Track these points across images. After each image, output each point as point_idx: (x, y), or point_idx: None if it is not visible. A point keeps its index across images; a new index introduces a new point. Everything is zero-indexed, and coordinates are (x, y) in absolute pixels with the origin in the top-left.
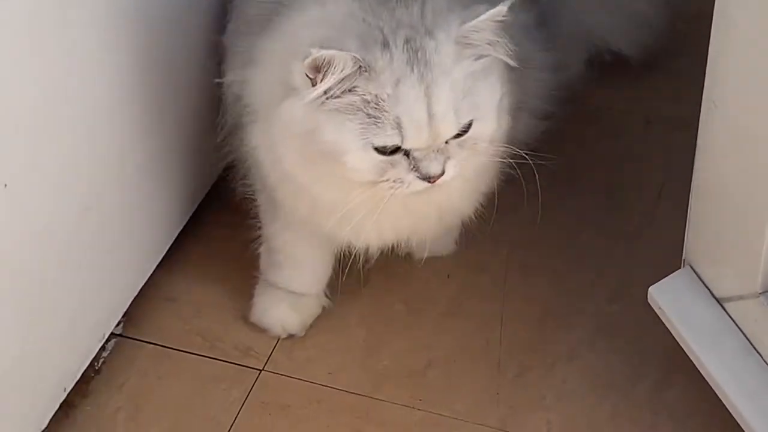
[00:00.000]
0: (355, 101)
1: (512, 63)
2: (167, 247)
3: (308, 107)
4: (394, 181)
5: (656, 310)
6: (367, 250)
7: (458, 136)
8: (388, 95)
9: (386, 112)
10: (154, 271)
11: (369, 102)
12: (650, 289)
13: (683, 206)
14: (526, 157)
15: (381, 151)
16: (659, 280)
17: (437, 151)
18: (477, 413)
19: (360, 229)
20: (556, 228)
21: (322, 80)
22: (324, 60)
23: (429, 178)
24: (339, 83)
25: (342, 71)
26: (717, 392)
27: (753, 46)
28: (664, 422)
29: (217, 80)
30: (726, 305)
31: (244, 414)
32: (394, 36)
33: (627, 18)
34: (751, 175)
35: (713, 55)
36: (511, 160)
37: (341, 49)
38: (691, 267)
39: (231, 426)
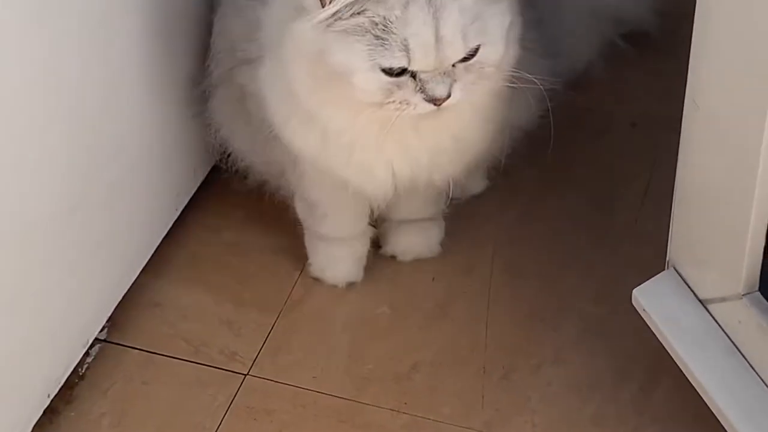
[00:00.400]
0: (363, 23)
1: None
2: (152, 251)
3: (317, 28)
4: (400, 103)
5: (641, 312)
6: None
7: (465, 60)
8: (396, 17)
9: (394, 34)
10: (139, 276)
11: (377, 24)
12: (634, 291)
13: (669, 208)
14: (536, 82)
15: (388, 72)
16: (644, 282)
17: (444, 73)
18: (462, 416)
19: (372, 164)
20: (542, 229)
21: (331, 1)
22: None
23: (435, 100)
24: (348, 5)
25: None
26: (701, 394)
27: (733, 47)
28: (649, 424)
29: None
30: (710, 307)
31: (229, 419)
32: None
33: None
34: (733, 176)
35: (695, 55)
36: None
37: None
38: (675, 269)
39: (216, 431)
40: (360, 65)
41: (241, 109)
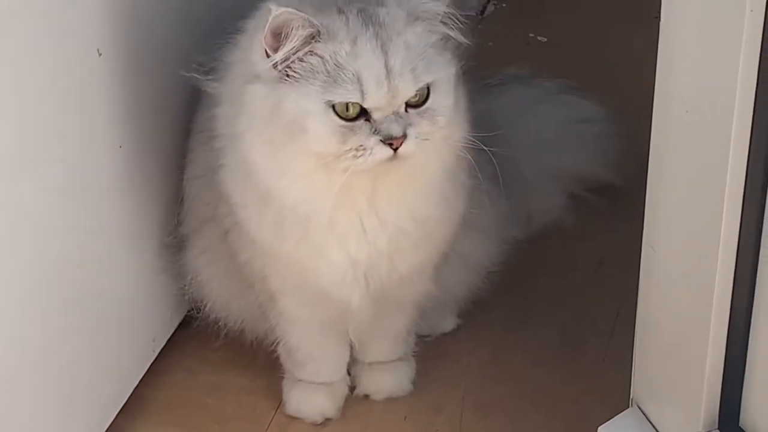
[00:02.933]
0: (313, 64)
1: (463, 40)
2: (128, 394)
3: (270, 83)
4: (356, 150)
5: None
6: (350, 303)
7: (418, 106)
8: (346, 52)
9: (345, 69)
10: (116, 418)
11: (327, 62)
12: (599, 429)
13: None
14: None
15: (342, 116)
16: (610, 419)
17: (397, 114)
18: None
19: (326, 245)
20: (510, 367)
21: (282, 46)
22: (283, 20)
23: (391, 141)
24: (299, 48)
25: (301, 29)
26: None
27: (687, 195)
28: None
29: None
30: None
31: None
32: (348, 6)
33: (599, 147)
34: (688, 318)
35: (650, 202)
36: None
37: (298, 10)
38: (639, 406)
39: None
40: (313, 107)
41: (219, 256)
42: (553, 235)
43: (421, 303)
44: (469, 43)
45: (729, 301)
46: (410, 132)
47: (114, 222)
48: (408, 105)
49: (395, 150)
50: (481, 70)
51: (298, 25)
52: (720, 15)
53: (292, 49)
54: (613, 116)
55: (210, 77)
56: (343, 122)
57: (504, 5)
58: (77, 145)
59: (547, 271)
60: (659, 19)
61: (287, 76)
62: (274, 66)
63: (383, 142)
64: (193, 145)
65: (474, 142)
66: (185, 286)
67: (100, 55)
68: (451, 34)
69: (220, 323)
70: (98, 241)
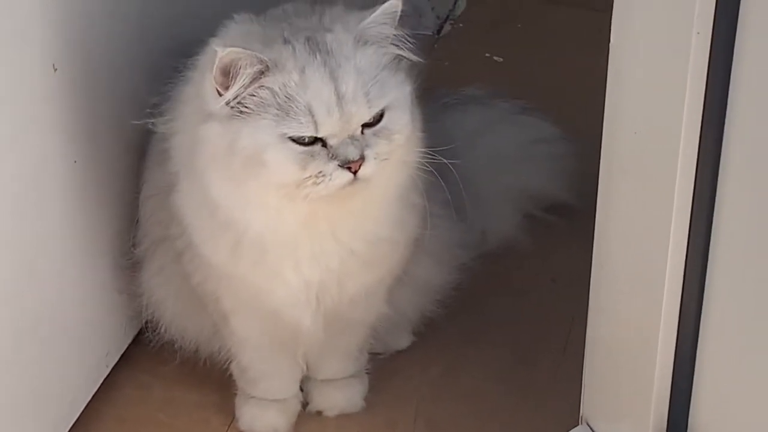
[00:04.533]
0: (264, 98)
1: (416, 59)
2: (81, 408)
3: (223, 121)
4: (316, 176)
5: None
6: (301, 323)
7: (373, 125)
8: (295, 83)
9: (296, 100)
10: None
11: (278, 94)
12: None
13: None
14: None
15: (298, 141)
16: None
17: (353, 137)
18: None
19: (282, 266)
20: (464, 384)
21: (232, 84)
22: (231, 60)
23: (349, 164)
24: (248, 84)
25: (249, 66)
26: None
27: (635, 215)
28: None
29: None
30: None
31: None
32: (295, 36)
33: (555, 167)
34: (637, 336)
35: (600, 221)
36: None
37: (246, 48)
38: (588, 423)
39: None
40: (268, 140)
41: (173, 276)
42: (507, 254)
43: (373, 323)
44: (422, 61)
45: (677, 320)
46: (368, 153)
47: (67, 237)
48: (363, 125)
49: (354, 173)
50: (438, 90)
51: (246, 63)
52: (668, 37)
53: (242, 86)
54: (569, 137)
55: (163, 117)
56: (300, 148)
57: (460, 25)
58: (31, 159)
59: (501, 289)
60: None
61: (240, 112)
62: (227, 103)
63: (341, 166)
64: (148, 164)
65: (428, 162)
66: (140, 305)
67: (55, 70)
68: (403, 54)
69: (174, 342)
70: (51, 255)
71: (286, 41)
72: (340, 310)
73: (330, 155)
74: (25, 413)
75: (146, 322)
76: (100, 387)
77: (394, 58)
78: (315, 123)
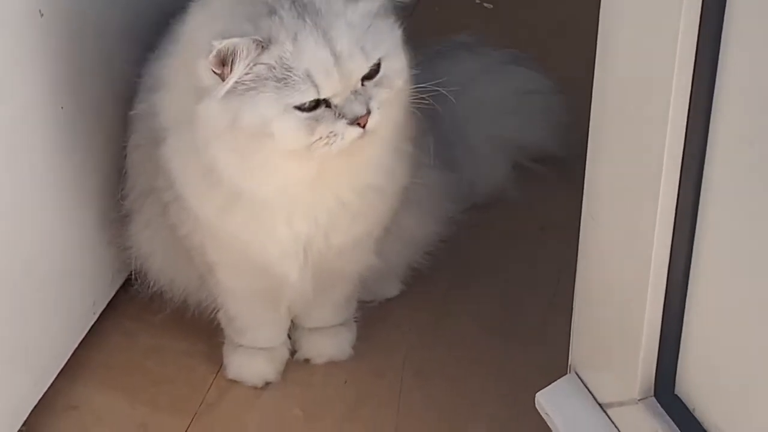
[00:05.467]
0: (261, 72)
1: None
2: (68, 356)
3: (222, 101)
4: (327, 137)
5: (543, 416)
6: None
7: (372, 77)
8: (290, 52)
9: (294, 69)
10: (55, 380)
11: (275, 67)
12: (537, 395)
13: None
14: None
15: (302, 108)
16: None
17: (355, 92)
18: None
19: (274, 221)
20: (451, 332)
21: (231, 72)
22: (228, 50)
23: (358, 120)
24: (244, 65)
25: (247, 57)
26: None
27: (625, 165)
28: None
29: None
30: (609, 411)
31: None
32: (280, 2)
33: (545, 118)
34: (626, 286)
35: (590, 172)
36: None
37: (241, 36)
38: (576, 373)
39: None
40: (272, 113)
41: (160, 228)
42: (495, 203)
43: (362, 274)
44: (412, 3)
45: (666, 270)
46: (372, 105)
47: (53, 185)
48: (363, 78)
49: (363, 126)
50: (428, 37)
51: (243, 50)
52: None
53: (242, 72)
54: (559, 86)
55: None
56: (306, 114)
57: None
58: (18, 105)
59: (489, 238)
60: None
61: (236, 88)
62: (220, 74)
63: (350, 123)
64: (136, 112)
65: (418, 109)
66: (128, 256)
67: (42, 15)
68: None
69: (162, 293)
70: (38, 202)
71: (271, 12)
72: (328, 262)
73: (337, 114)
74: (11, 359)
75: (134, 273)
76: (86, 334)
77: (383, 4)
78: (316, 87)
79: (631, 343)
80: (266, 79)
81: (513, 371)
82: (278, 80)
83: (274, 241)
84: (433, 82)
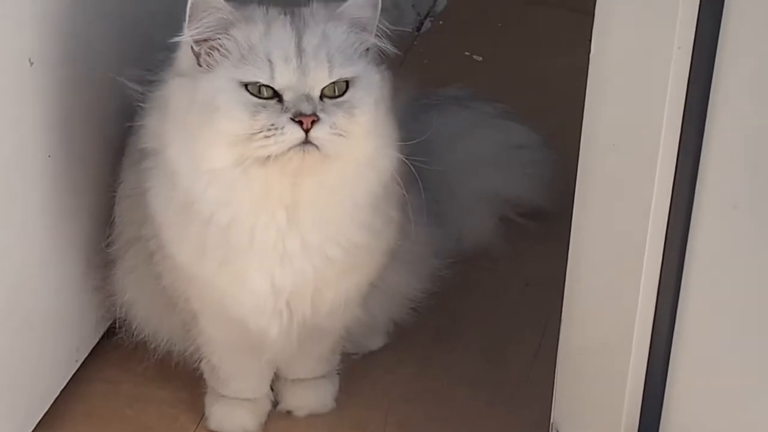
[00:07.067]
0: (229, 48)
1: (391, 49)
2: (50, 402)
3: (190, 76)
4: (267, 130)
5: None
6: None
7: (335, 98)
8: (259, 33)
9: (257, 49)
10: (36, 427)
11: (241, 44)
12: None
13: None
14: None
15: (254, 94)
16: None
17: (309, 96)
18: None
19: (247, 268)
20: (436, 386)
21: (198, 20)
22: (204, 2)
23: (301, 118)
24: (215, 28)
25: (217, 12)
26: None
27: (610, 225)
28: None
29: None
30: None
31: None
32: (272, 4)
33: (533, 173)
34: (609, 343)
35: (575, 227)
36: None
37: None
38: (557, 430)
39: None
40: (224, 85)
41: (145, 275)
42: (481, 256)
43: (347, 328)
44: (398, 53)
45: (650, 328)
46: (323, 117)
47: (40, 231)
48: (325, 96)
49: (306, 132)
50: (417, 90)
51: (216, 6)
52: (648, 52)
53: (207, 30)
54: (547, 142)
55: (143, 89)
56: (254, 99)
57: (441, 22)
58: (5, 153)
59: (474, 292)
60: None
61: (207, 66)
62: (196, 52)
63: (293, 120)
64: (125, 164)
65: (406, 164)
66: (111, 302)
67: (31, 64)
68: (377, 42)
69: (146, 340)
70: (23, 249)
71: (261, 3)
72: (316, 321)
73: (283, 109)
74: None
75: (118, 321)
76: (69, 381)
77: (367, 48)
78: (271, 71)
79: (615, 400)
80: (231, 54)
81: (496, 426)
82: (240, 56)
83: (248, 292)
84: (419, 138)
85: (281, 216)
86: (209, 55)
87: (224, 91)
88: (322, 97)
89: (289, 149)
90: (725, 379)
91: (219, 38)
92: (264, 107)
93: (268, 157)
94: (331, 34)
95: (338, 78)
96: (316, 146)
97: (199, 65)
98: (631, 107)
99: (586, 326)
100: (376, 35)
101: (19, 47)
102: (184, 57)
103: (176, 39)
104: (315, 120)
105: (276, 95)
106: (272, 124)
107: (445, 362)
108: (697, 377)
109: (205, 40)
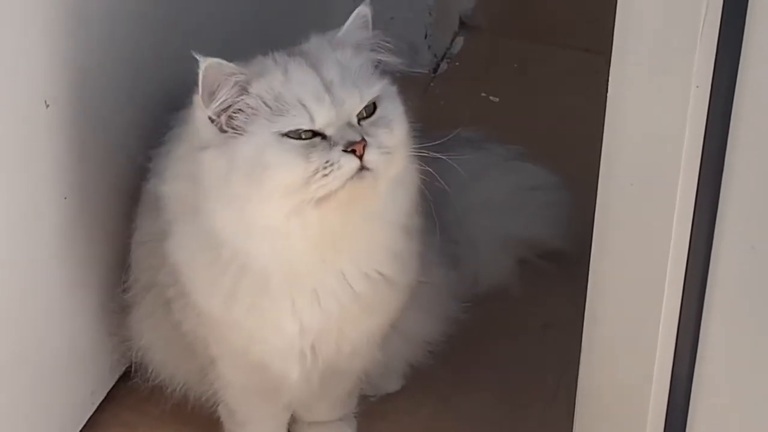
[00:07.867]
0: (253, 105)
1: (395, 61)
2: None
3: (220, 146)
4: (324, 168)
5: None
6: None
7: (369, 117)
8: (280, 81)
9: (285, 96)
10: None
11: (265, 97)
12: None
13: None
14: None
15: (296, 138)
16: None
17: (350, 124)
18: None
19: (279, 308)
20: (452, 428)
21: (217, 95)
22: (215, 74)
23: (353, 147)
24: (235, 95)
25: (233, 77)
26: None
27: (629, 266)
28: None
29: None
30: None
31: None
32: (274, 51)
33: (550, 215)
34: (629, 389)
35: (594, 269)
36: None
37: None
38: None
39: None
40: (266, 141)
41: (161, 320)
42: (499, 298)
43: (366, 370)
44: (405, 68)
45: (670, 372)
46: (370, 140)
47: (56, 273)
48: (359, 118)
49: (360, 158)
50: (433, 131)
51: (229, 73)
52: (666, 90)
53: (228, 98)
54: (564, 184)
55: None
56: (300, 143)
57: (457, 63)
58: (21, 194)
59: (492, 334)
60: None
61: (233, 129)
62: (217, 122)
63: (345, 150)
64: (141, 209)
65: (423, 206)
66: (127, 346)
67: (47, 106)
68: (383, 57)
69: (162, 384)
70: (39, 292)
71: (264, 54)
72: (337, 362)
73: (331, 144)
74: None
75: (134, 365)
76: (85, 425)
77: (373, 63)
78: (309, 113)
79: None
80: (258, 110)
81: None
82: (271, 110)
83: (277, 333)
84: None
85: (329, 254)
86: (233, 119)
87: (269, 146)
88: (358, 121)
89: (346, 181)
90: (746, 422)
91: (240, 101)
92: (313, 147)
93: (322, 197)
94: (344, 61)
95: (369, 100)
96: (369, 170)
97: (223, 131)
98: (649, 147)
99: (605, 368)
100: (379, 50)
101: (35, 89)
102: (202, 129)
103: (189, 111)
104: (365, 145)
105: (316, 134)
106: (327, 161)
107: (463, 404)
108: (717, 420)
109: (225, 109)
